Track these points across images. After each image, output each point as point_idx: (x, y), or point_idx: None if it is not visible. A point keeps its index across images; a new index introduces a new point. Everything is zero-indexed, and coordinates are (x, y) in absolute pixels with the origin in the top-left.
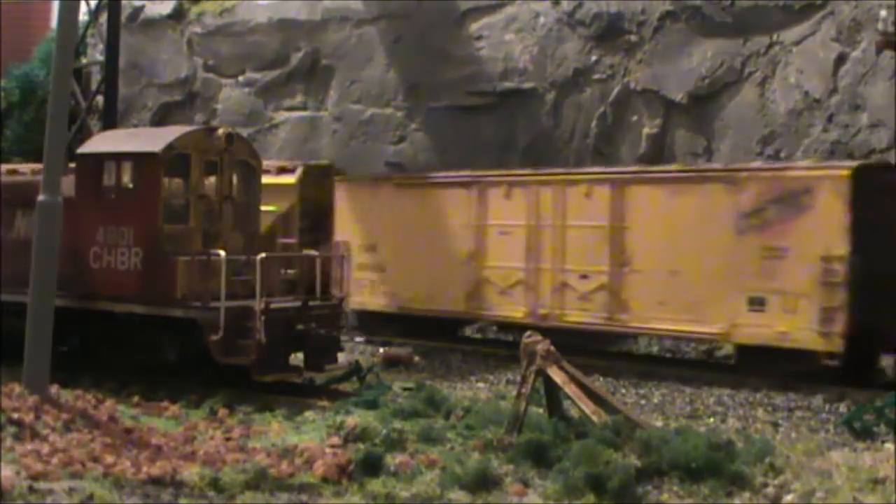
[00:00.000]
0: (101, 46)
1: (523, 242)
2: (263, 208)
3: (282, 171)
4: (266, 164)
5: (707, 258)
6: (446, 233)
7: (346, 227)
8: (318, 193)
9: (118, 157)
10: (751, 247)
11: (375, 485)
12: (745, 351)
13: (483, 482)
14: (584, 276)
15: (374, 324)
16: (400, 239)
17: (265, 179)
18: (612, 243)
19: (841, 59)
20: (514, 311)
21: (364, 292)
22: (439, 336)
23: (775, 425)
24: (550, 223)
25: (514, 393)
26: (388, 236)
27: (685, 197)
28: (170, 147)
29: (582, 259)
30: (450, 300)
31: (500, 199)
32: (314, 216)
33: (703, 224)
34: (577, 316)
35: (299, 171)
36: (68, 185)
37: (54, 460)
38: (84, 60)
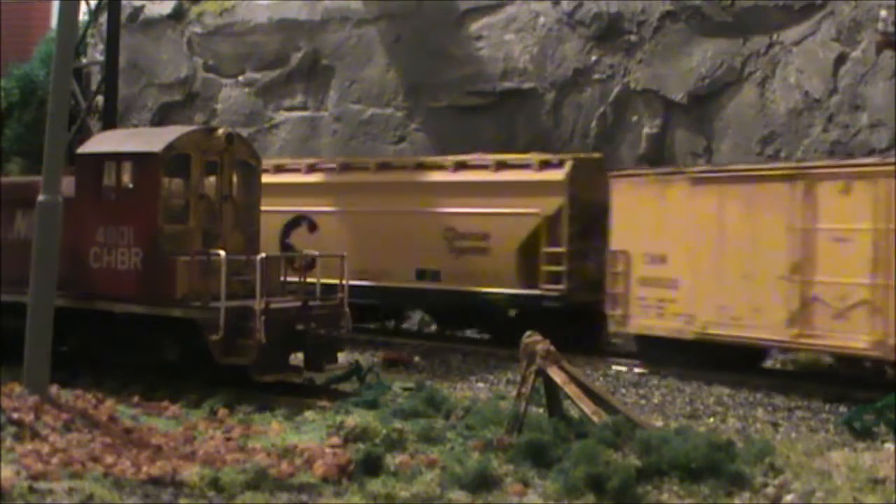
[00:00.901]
0: (101, 46)
1: (868, 251)
2: (518, 210)
3: (544, 165)
4: (523, 157)
5: None
6: (761, 239)
7: (625, 233)
8: (590, 192)
9: (118, 157)
10: None
11: (375, 485)
12: None
13: (483, 482)
14: None
15: (661, 352)
16: (698, 248)
17: (525, 176)
18: None
19: (841, 59)
20: (855, 339)
21: (649, 314)
22: (744, 369)
23: (775, 425)
24: None
25: (514, 393)
26: (682, 244)
27: None
28: (170, 147)
29: None
30: (765, 325)
31: (836, 196)
32: (585, 220)
33: None
34: None
35: (568, 165)
36: (68, 185)
37: (54, 460)
38: (84, 60)
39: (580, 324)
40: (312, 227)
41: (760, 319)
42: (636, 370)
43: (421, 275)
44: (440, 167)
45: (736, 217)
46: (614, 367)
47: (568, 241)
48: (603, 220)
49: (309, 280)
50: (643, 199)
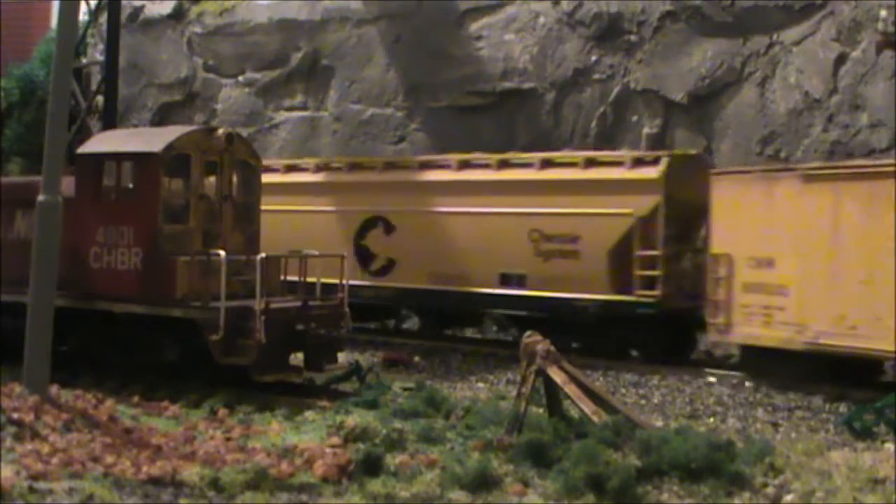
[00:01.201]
0: (101, 46)
1: None
2: (609, 211)
3: (638, 162)
4: (615, 154)
5: None
6: (881, 241)
7: (727, 234)
8: (687, 191)
9: (118, 157)
10: None
11: (375, 485)
12: None
13: (483, 482)
14: None
15: (768, 363)
16: (810, 251)
17: (617, 174)
18: None
19: (841, 59)
20: None
21: (754, 322)
22: (861, 384)
23: (775, 425)
24: None
25: (514, 393)
26: (792, 247)
27: None
28: (170, 147)
29: None
30: (886, 335)
31: None
32: (682, 221)
33: None
34: None
35: (663, 162)
36: (68, 185)
37: (54, 460)
38: (84, 60)
39: (676, 332)
40: (389, 228)
41: (881, 329)
42: (746, 383)
43: (505, 279)
44: (525, 165)
45: (854, 217)
46: (710, 378)
47: (664, 244)
48: (702, 220)
49: (309, 279)
50: (748, 199)
